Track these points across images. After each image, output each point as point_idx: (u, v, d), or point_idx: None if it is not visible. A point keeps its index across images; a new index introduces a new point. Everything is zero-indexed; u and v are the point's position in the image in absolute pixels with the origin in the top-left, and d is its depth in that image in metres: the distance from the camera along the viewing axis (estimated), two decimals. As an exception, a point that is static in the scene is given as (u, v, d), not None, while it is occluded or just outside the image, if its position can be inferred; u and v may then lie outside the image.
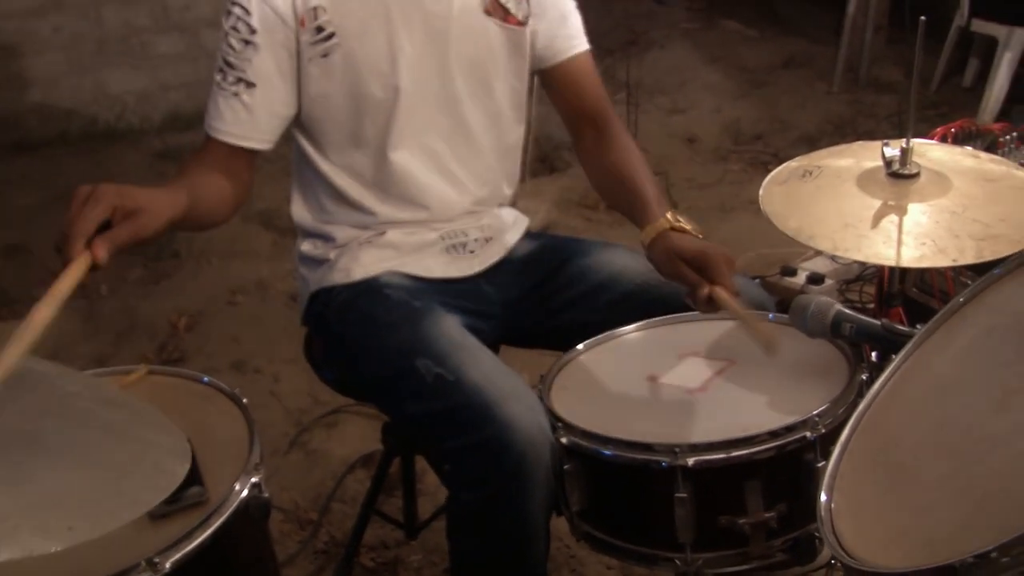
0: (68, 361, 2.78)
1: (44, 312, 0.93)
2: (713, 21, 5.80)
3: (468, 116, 1.47)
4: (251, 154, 1.40)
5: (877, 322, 1.19)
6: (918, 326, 1.07)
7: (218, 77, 1.37)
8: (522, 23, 1.46)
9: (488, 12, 1.43)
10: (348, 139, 1.44)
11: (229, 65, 1.35)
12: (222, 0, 1.38)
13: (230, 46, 1.35)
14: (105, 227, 1.05)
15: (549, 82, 1.57)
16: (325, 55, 1.37)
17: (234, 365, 2.71)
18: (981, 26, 4.51)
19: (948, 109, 4.50)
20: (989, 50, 4.44)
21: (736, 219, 3.37)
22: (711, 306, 1.26)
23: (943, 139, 2.28)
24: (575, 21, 1.54)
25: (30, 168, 4.21)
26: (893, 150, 1.39)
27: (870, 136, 4.53)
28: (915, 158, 1.41)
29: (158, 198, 1.12)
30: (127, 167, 4.18)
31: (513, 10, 1.45)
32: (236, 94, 1.35)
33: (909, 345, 0.96)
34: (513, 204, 1.66)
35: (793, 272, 2.69)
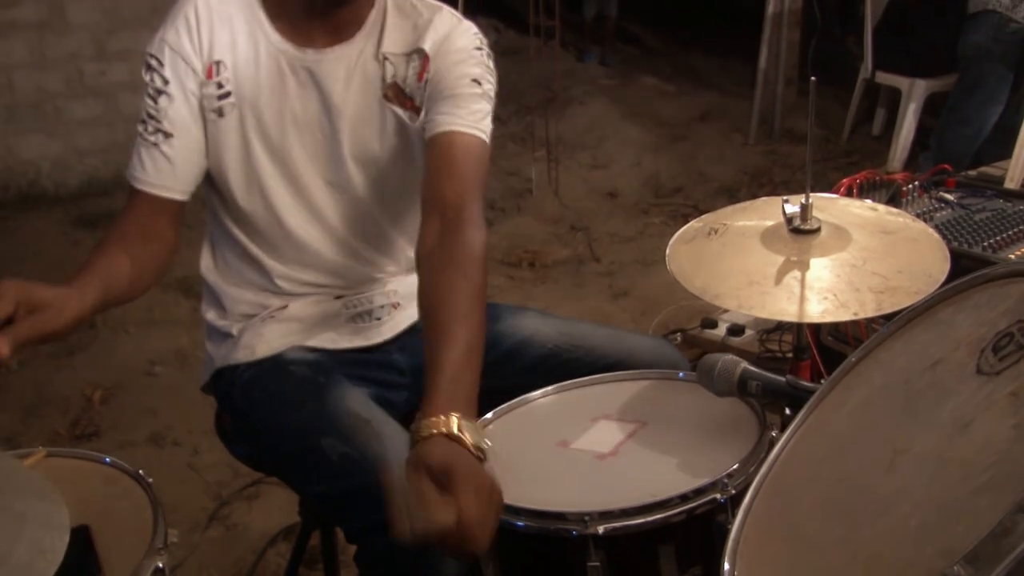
0: (-30, 443, 2.67)
1: None
2: (631, 77, 5.95)
3: (360, 193, 1.45)
4: (174, 207, 1.38)
5: (783, 379, 1.20)
6: (822, 381, 1.09)
7: (140, 129, 1.37)
8: (418, 108, 1.42)
9: (386, 97, 1.42)
10: (244, 198, 1.43)
11: (149, 116, 1.36)
12: (138, 62, 1.39)
13: (149, 96, 1.36)
14: (8, 323, 1.03)
15: (425, 157, 1.43)
16: (220, 114, 1.37)
17: (152, 438, 2.63)
18: (885, 78, 4.70)
19: (859, 157, 4.66)
20: (895, 100, 4.62)
21: (658, 272, 3.42)
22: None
23: (849, 190, 2.35)
24: (470, 104, 1.37)
25: (-66, 240, 4.08)
26: (793, 207, 1.42)
27: (786, 186, 4.67)
28: (816, 213, 1.44)
29: (64, 295, 1.11)
30: (41, 234, 4.06)
31: (414, 97, 1.42)
32: (156, 144, 1.36)
33: (808, 405, 0.97)
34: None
35: (714, 324, 2.73)
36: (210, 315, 1.52)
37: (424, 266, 1.27)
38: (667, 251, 1.47)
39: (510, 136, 4.81)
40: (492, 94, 1.42)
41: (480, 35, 1.44)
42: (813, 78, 1.43)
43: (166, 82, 1.35)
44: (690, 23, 6.98)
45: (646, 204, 4.15)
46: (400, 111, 1.43)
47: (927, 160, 3.94)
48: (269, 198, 1.42)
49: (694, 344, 2.82)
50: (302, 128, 1.40)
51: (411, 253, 1.56)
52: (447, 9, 1.45)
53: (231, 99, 1.37)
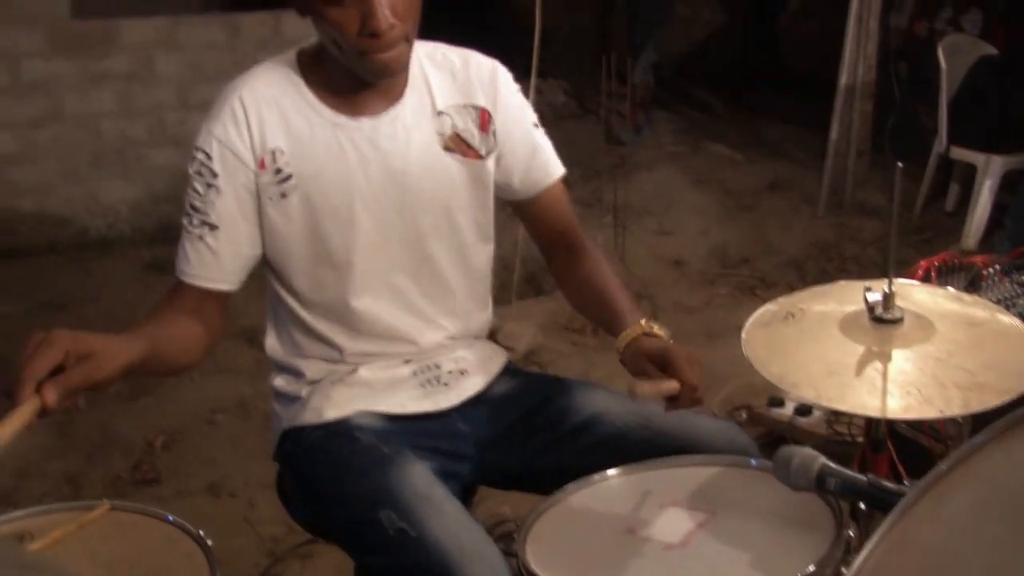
0: (37, 479, 2.72)
1: None
2: (699, 145, 5.93)
3: (433, 251, 1.47)
4: (220, 296, 1.40)
5: (863, 477, 1.15)
6: (906, 482, 1.04)
7: (184, 221, 1.38)
8: (482, 156, 1.47)
9: (448, 148, 1.44)
10: (311, 281, 1.43)
11: (194, 209, 1.37)
12: (212, 102, 1.40)
13: (195, 190, 1.37)
14: (58, 371, 1.05)
15: (523, 212, 1.57)
16: (284, 196, 1.38)
17: (209, 488, 2.64)
18: (960, 153, 4.63)
19: (932, 233, 4.56)
20: (969, 175, 4.53)
21: (723, 345, 3.35)
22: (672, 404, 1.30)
23: (927, 273, 2.29)
24: (546, 150, 1.54)
25: (17, 276, 4.20)
26: (875, 295, 1.39)
27: (856, 261, 4.58)
28: (898, 301, 1.40)
29: (113, 343, 1.13)
30: (115, 277, 4.17)
31: (475, 145, 1.46)
32: (201, 237, 1.36)
33: (894, 513, 0.92)
34: (497, 330, 1.65)
35: (781, 402, 2.66)
36: (278, 381, 1.52)
37: (566, 278, 1.56)
38: (743, 335, 1.44)
39: (576, 199, 4.79)
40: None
41: (504, 68, 1.52)
42: (900, 164, 1.40)
43: (215, 175, 1.36)
44: (758, 89, 6.97)
45: (712, 274, 4.10)
46: (463, 160, 1.45)
47: (1003, 239, 3.84)
48: (340, 272, 1.42)
49: (760, 422, 2.76)
50: (367, 197, 1.40)
51: (480, 317, 1.56)
52: (473, 53, 1.50)
53: (292, 181, 1.37)
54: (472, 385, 1.51)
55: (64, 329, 1.08)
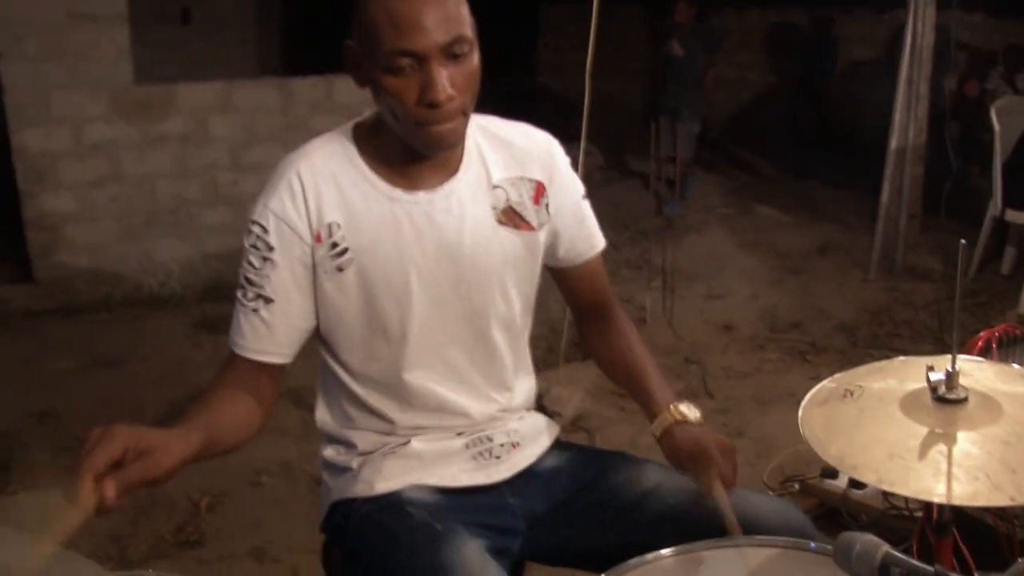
0: (82, 538, 2.72)
1: (44, 548, 0.90)
2: (747, 206, 5.91)
3: (486, 325, 1.46)
4: (274, 369, 1.40)
5: (930, 568, 1.10)
6: (976, 574, 1.00)
7: (239, 294, 1.38)
8: (535, 228, 1.47)
9: (501, 222, 1.44)
10: (364, 354, 1.43)
11: (249, 282, 1.37)
12: (268, 175, 1.42)
13: (250, 263, 1.37)
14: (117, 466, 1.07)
15: (560, 278, 1.59)
16: (340, 269, 1.38)
17: (253, 552, 2.63)
18: (1015, 216, 4.55)
19: (987, 297, 4.47)
20: (1025, 238, 4.45)
21: (774, 412, 3.29)
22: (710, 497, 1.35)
23: (987, 344, 2.23)
24: (591, 222, 1.56)
25: (72, 332, 4.29)
26: (938, 374, 1.34)
27: (908, 326, 4.47)
28: (961, 379, 1.36)
29: (171, 439, 1.14)
30: (165, 335, 4.23)
31: (528, 218, 1.46)
32: (255, 310, 1.36)
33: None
34: (544, 394, 1.64)
35: (834, 474, 2.59)
36: (328, 452, 1.51)
37: (598, 349, 1.61)
38: (800, 413, 1.40)
39: (624, 262, 4.80)
40: None
41: (556, 141, 1.53)
42: (963, 241, 1.37)
43: (271, 248, 1.35)
44: (806, 150, 6.95)
45: (762, 339, 4.04)
46: (516, 233, 1.45)
47: (1062, 307, 3.75)
48: (392, 347, 1.42)
49: (812, 494, 2.68)
50: (423, 271, 1.40)
51: (526, 386, 1.55)
52: (528, 127, 1.52)
53: (349, 255, 1.37)
54: (524, 458, 1.49)
55: (123, 425, 1.09)
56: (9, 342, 4.13)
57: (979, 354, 2.20)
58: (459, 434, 1.47)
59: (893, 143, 4.85)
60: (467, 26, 1.29)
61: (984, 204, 4.80)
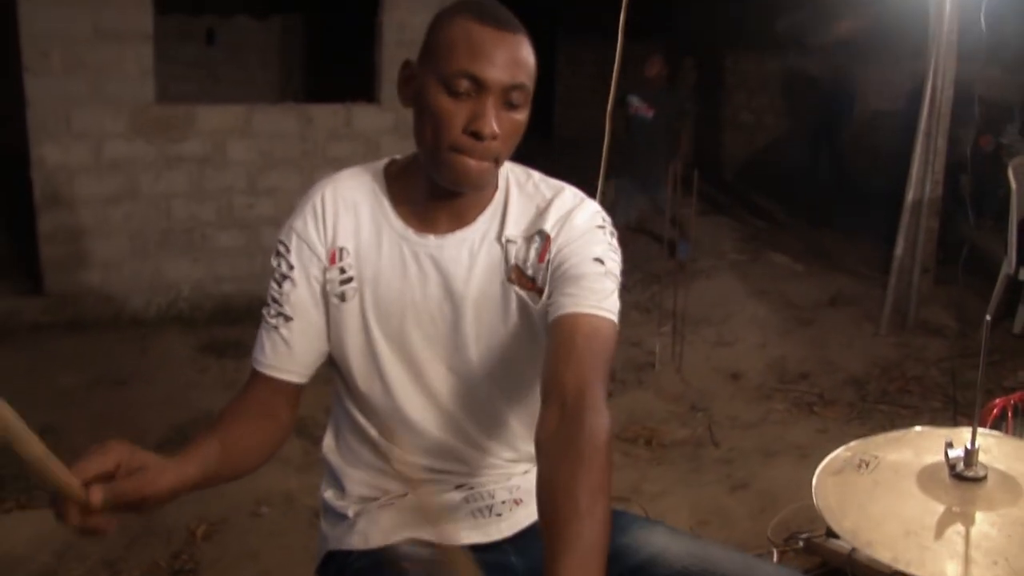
0: (75, 562, 2.70)
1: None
2: (760, 253, 5.89)
3: (481, 381, 1.43)
4: (291, 389, 1.39)
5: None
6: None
7: (264, 312, 1.40)
8: (539, 287, 1.40)
9: (510, 279, 1.42)
10: (364, 382, 1.42)
11: (273, 300, 1.39)
12: (284, 200, 1.42)
13: (275, 281, 1.39)
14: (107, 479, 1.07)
15: (547, 340, 1.38)
16: (343, 298, 1.39)
17: (248, 585, 2.60)
18: (1029, 275, 4.52)
19: (1000, 356, 4.44)
20: (1038, 298, 4.42)
21: (779, 464, 3.25)
22: None
23: (1003, 412, 2.21)
24: (592, 285, 1.32)
25: (78, 348, 4.28)
26: (957, 451, 1.32)
27: (919, 382, 4.42)
28: (980, 455, 1.34)
29: (165, 468, 1.13)
30: (171, 356, 4.21)
31: (532, 275, 1.40)
32: (276, 328, 1.38)
33: None
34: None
35: (841, 534, 2.55)
36: (328, 494, 1.50)
37: (543, 455, 1.21)
38: (813, 481, 1.39)
39: (634, 304, 4.78)
40: (617, 272, 1.36)
41: (603, 213, 1.41)
42: (988, 317, 1.35)
43: (291, 267, 1.38)
44: (821, 198, 6.93)
45: (770, 389, 4.00)
46: (523, 292, 1.41)
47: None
48: (387, 382, 1.41)
49: (816, 552, 2.63)
50: (421, 313, 1.39)
51: (530, 442, 1.51)
52: (569, 189, 1.43)
53: (353, 284, 1.39)
54: (526, 516, 1.46)
55: (123, 441, 1.09)
56: (15, 354, 4.12)
57: (994, 422, 2.18)
58: (458, 487, 1.45)
59: (910, 196, 4.83)
60: (531, 80, 1.31)
61: (995, 259, 4.78)
